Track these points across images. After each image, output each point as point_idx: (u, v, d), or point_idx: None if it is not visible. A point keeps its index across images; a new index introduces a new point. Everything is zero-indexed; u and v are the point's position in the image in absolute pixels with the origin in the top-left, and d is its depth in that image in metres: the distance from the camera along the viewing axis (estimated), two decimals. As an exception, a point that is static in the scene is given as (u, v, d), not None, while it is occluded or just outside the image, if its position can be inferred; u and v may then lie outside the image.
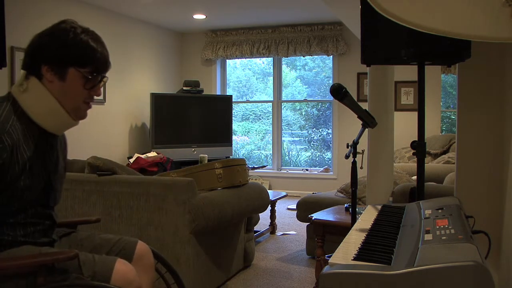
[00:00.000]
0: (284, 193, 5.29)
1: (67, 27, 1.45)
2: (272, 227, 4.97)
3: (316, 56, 7.88)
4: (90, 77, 1.47)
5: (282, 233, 4.98)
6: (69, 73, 1.44)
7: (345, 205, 3.49)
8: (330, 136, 7.83)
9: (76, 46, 1.44)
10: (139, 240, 1.75)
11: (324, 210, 3.47)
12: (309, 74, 8.49)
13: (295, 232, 5.01)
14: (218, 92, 8.11)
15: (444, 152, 5.90)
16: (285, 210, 6.32)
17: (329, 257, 1.17)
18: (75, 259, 1.42)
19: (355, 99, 7.49)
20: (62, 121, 1.48)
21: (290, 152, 8.45)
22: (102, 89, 1.55)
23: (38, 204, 1.52)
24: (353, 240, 1.33)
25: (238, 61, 8.50)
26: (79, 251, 1.49)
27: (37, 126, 1.45)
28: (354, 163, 2.16)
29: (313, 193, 5.07)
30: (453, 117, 7.65)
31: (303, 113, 8.50)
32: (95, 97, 1.54)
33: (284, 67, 8.27)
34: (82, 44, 1.44)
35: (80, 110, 1.51)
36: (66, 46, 1.43)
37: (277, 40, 7.63)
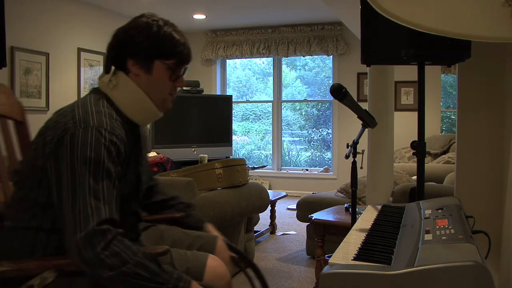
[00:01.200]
0: (284, 193, 5.29)
1: (149, 21, 1.47)
2: (272, 227, 4.97)
3: (316, 56, 7.88)
4: (175, 68, 1.49)
5: (282, 233, 4.98)
6: (155, 66, 1.46)
7: (345, 205, 3.49)
8: (330, 136, 7.83)
9: (161, 39, 1.45)
10: (218, 236, 1.75)
11: (324, 210, 3.47)
12: (309, 74, 8.49)
13: (295, 232, 5.01)
14: (218, 92, 8.11)
15: (444, 152, 5.90)
16: (285, 210, 6.32)
17: (329, 257, 1.17)
18: (168, 254, 1.42)
19: (355, 99, 7.46)
20: (150, 114, 1.51)
21: (290, 152, 8.45)
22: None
23: (132, 198, 1.54)
24: (353, 240, 1.33)
25: (238, 61, 8.50)
26: (166, 246, 1.50)
27: (127, 119, 1.47)
28: (354, 163, 2.16)
29: (313, 193, 5.07)
30: (453, 117, 7.65)
31: (303, 113, 8.50)
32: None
33: (284, 67, 8.27)
34: (166, 37, 1.46)
35: (166, 101, 1.53)
36: (151, 39, 1.44)
37: (277, 40, 7.63)
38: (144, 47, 1.44)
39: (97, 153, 1.28)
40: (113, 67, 1.48)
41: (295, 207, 4.24)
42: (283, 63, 8.20)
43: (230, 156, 7.37)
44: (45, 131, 1.37)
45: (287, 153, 8.41)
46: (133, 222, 1.59)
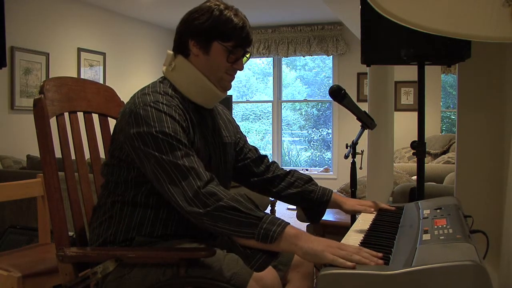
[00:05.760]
0: (284, 193, 5.27)
1: (212, 5, 1.55)
2: (272, 227, 4.96)
3: (316, 56, 7.89)
4: (232, 50, 1.54)
5: (282, 233, 4.97)
6: (213, 47, 1.53)
7: (345, 205, 3.48)
8: (330, 136, 7.83)
9: (220, 21, 1.53)
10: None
11: (324, 210, 3.46)
12: (309, 74, 8.49)
13: (295, 232, 4.99)
14: (218, 92, 8.11)
15: (444, 152, 5.90)
16: (285, 210, 6.31)
17: (328, 257, 1.17)
18: (216, 256, 1.41)
19: (355, 99, 7.45)
20: (210, 94, 1.57)
21: (290, 152, 8.45)
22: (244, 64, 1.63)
23: None
24: (352, 240, 1.33)
25: (238, 61, 8.50)
26: (227, 251, 1.49)
27: (189, 100, 1.54)
28: (353, 164, 2.16)
29: (313, 193, 5.06)
30: (453, 117, 7.65)
31: (303, 113, 8.50)
32: None
33: (284, 67, 8.27)
34: (226, 20, 1.53)
35: (223, 80, 1.58)
36: (211, 21, 1.52)
37: (277, 40, 7.63)
38: (204, 28, 1.52)
39: (160, 124, 1.38)
40: (169, 52, 1.58)
41: (295, 207, 4.23)
42: (283, 63, 8.20)
43: (230, 156, 7.37)
44: (116, 123, 1.51)
45: (287, 153, 8.41)
46: None
